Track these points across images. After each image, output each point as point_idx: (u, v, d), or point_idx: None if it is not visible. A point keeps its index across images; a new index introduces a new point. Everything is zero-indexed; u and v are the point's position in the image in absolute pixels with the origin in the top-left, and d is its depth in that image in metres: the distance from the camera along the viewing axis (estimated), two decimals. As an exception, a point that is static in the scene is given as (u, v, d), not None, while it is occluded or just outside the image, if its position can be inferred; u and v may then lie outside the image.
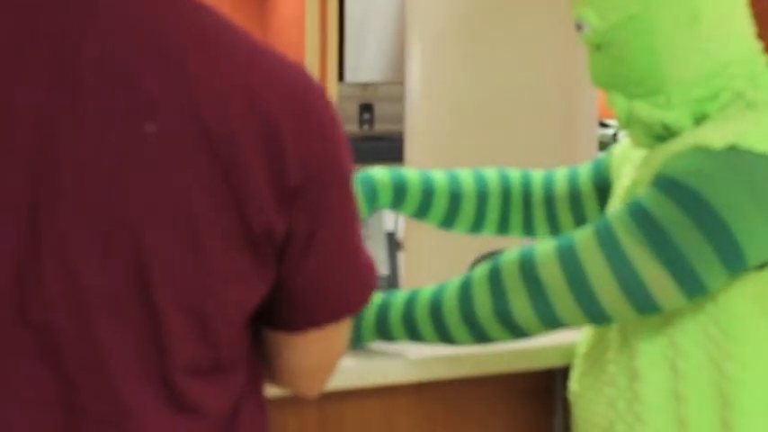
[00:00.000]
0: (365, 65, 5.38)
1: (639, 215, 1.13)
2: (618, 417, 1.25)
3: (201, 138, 0.85)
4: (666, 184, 1.13)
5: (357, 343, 1.42)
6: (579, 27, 1.24)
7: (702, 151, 1.13)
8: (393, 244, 1.75)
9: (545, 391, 1.65)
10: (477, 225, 1.61)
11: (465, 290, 1.23)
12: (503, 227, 1.61)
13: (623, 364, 1.25)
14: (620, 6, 1.20)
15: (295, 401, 1.52)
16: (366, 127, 5.63)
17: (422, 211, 1.59)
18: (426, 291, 1.30)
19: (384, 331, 1.34)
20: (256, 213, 0.87)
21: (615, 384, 1.26)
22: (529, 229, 1.61)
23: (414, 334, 1.31)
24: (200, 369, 0.90)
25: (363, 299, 0.98)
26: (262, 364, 1.02)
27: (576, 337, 1.60)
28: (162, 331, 0.87)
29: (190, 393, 0.89)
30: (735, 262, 1.12)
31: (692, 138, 1.17)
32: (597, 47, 1.24)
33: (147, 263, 0.85)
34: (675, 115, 1.20)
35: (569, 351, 1.56)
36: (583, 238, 1.15)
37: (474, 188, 1.57)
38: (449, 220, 1.61)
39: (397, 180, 1.57)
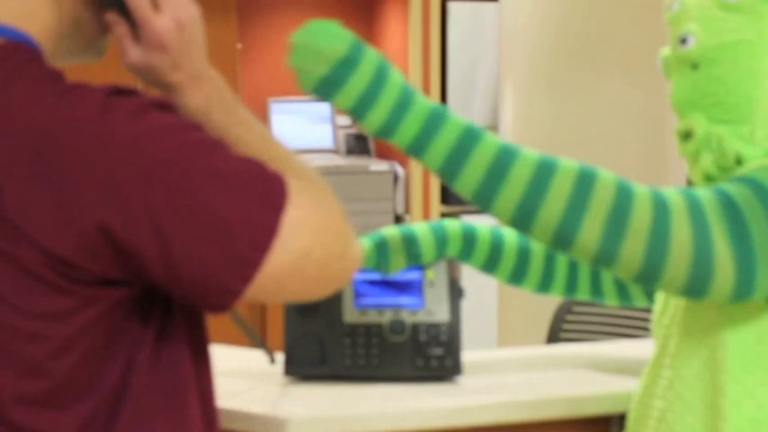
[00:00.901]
0: (468, 110, 5.46)
1: (726, 202, 1.13)
2: None
3: None
4: (752, 184, 1.15)
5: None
6: (683, 41, 1.24)
7: None
8: (455, 291, 1.81)
9: (600, 437, 1.67)
10: (544, 285, 1.63)
11: (545, 169, 1.12)
12: (570, 289, 1.62)
13: (669, 409, 1.28)
14: (733, 29, 1.22)
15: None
16: (470, 169, 5.71)
17: (490, 266, 1.62)
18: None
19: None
20: (31, 252, 0.88)
21: (665, 420, 1.28)
22: (597, 292, 1.62)
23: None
24: (36, 400, 0.92)
25: (246, 269, 0.92)
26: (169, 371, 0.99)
27: (631, 385, 1.63)
28: None
29: (29, 423, 0.92)
30: None
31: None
32: (695, 65, 1.24)
33: None
34: (755, 152, 1.22)
35: (625, 398, 1.59)
36: (675, 203, 1.13)
37: (543, 247, 1.59)
38: (516, 278, 1.63)
39: (468, 232, 1.61)
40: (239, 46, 5.54)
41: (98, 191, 0.88)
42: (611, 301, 1.64)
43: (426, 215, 4.88)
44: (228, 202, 0.90)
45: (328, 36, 1.12)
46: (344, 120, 5.70)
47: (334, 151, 5.39)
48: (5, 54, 0.94)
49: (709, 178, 1.28)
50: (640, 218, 1.11)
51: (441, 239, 1.63)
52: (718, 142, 1.22)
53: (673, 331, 1.30)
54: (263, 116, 5.61)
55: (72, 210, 0.88)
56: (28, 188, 0.88)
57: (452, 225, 1.62)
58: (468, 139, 1.13)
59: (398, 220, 4.92)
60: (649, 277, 1.13)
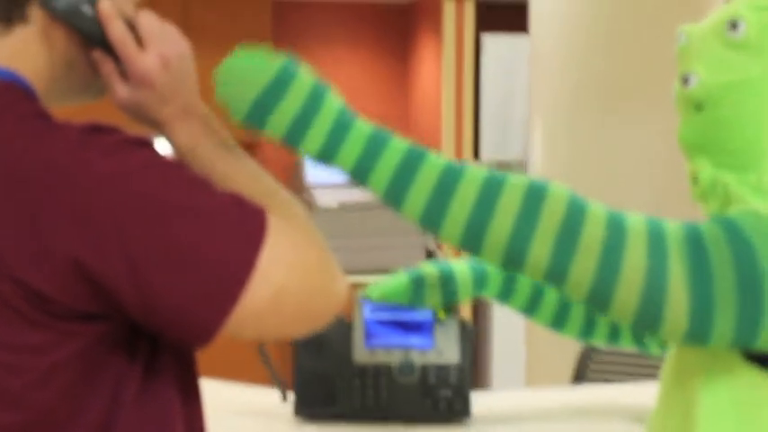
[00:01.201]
0: (503, 144, 5.46)
1: (693, 234, 1.07)
2: None
3: None
4: (727, 225, 1.07)
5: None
6: (685, 80, 1.16)
7: (754, 214, 1.09)
8: (466, 334, 1.81)
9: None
10: (587, 332, 1.58)
11: (492, 187, 1.08)
12: (613, 336, 1.58)
13: None
14: (736, 68, 1.13)
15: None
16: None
17: (530, 309, 1.57)
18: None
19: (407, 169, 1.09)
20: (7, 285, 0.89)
21: None
22: (639, 339, 1.56)
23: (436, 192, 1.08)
24: (10, 430, 0.92)
25: (220, 305, 0.92)
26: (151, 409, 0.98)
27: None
28: None
29: None
30: (747, 333, 1.06)
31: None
32: (699, 106, 1.16)
33: None
34: (762, 204, 1.12)
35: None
36: (634, 227, 1.07)
37: None
38: (558, 323, 1.57)
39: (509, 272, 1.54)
40: (273, 80, 5.62)
41: (71, 226, 0.90)
42: (654, 350, 1.59)
43: (457, 251, 4.88)
44: (205, 237, 0.91)
45: (257, 59, 1.08)
46: (377, 153, 5.73)
47: (367, 185, 5.42)
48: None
49: None
50: (592, 234, 1.05)
51: (479, 279, 1.58)
52: (725, 190, 1.15)
53: (666, 380, 1.25)
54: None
55: (47, 245, 0.89)
56: (4, 222, 0.90)
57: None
58: (413, 160, 1.09)
59: (430, 255, 4.92)
60: (600, 300, 1.07)
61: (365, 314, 1.80)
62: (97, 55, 1.02)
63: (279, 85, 1.07)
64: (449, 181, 1.07)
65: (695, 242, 1.06)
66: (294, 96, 1.08)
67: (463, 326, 1.81)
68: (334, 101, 1.10)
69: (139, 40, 1.01)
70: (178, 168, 0.94)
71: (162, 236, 0.90)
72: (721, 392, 1.13)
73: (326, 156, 1.09)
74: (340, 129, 1.09)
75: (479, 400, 1.90)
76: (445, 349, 1.77)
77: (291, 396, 1.88)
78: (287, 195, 1.04)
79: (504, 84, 5.41)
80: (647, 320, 1.06)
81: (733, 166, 1.14)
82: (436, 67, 5.29)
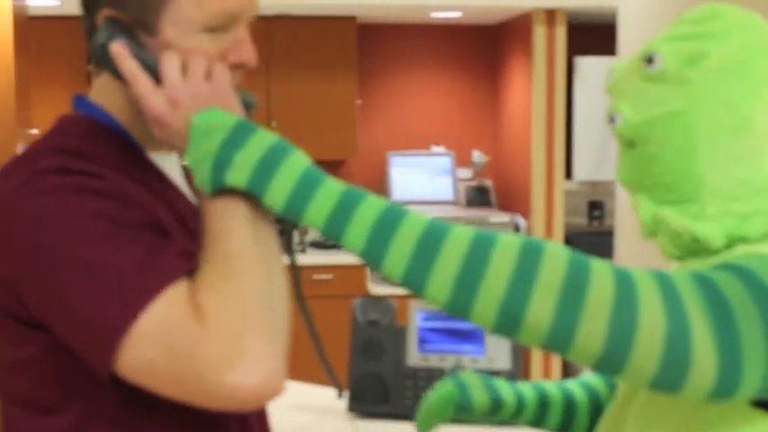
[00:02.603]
0: (599, 166, 5.47)
1: (706, 284, 0.98)
2: None
3: None
4: (738, 271, 1.00)
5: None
6: (612, 119, 1.14)
7: (761, 258, 1.02)
8: (517, 343, 1.88)
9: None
10: None
11: (482, 244, 0.99)
12: None
13: None
14: (659, 102, 1.10)
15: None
16: (596, 223, 5.74)
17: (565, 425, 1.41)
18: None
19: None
20: None
21: None
22: None
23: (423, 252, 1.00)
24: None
25: (105, 348, 0.94)
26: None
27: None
28: None
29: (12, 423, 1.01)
30: None
31: (743, 250, 1.08)
32: (630, 143, 1.13)
33: None
34: (707, 228, 1.08)
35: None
36: (641, 277, 0.98)
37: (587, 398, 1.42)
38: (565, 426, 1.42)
39: (568, 399, 1.42)
40: (359, 102, 5.72)
41: (1, 252, 0.99)
42: None
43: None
44: (87, 294, 0.95)
45: (217, 115, 1.05)
46: (465, 172, 5.81)
47: (454, 203, 5.50)
48: (66, 122, 1.11)
49: (679, 258, 1.15)
50: (600, 292, 0.96)
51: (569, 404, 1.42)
52: (665, 225, 1.11)
53: (626, 425, 1.15)
54: (383, 170, 5.76)
55: None
56: None
57: (553, 391, 1.42)
58: (392, 216, 1.01)
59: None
60: (613, 364, 0.97)
61: (418, 322, 1.90)
62: (130, 91, 1.10)
63: (243, 129, 1.03)
64: (433, 238, 1.00)
65: (709, 289, 0.98)
66: (255, 146, 1.02)
67: (514, 334, 1.88)
68: (300, 156, 1.05)
69: (156, 78, 1.05)
70: (95, 222, 0.98)
71: (53, 285, 0.96)
72: None
73: (293, 210, 1.02)
74: (306, 185, 1.02)
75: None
76: (497, 357, 1.85)
77: (346, 394, 1.98)
78: (253, 262, 0.99)
79: (598, 105, 5.43)
80: (670, 381, 0.97)
81: (672, 200, 1.11)
82: (526, 89, 5.33)
